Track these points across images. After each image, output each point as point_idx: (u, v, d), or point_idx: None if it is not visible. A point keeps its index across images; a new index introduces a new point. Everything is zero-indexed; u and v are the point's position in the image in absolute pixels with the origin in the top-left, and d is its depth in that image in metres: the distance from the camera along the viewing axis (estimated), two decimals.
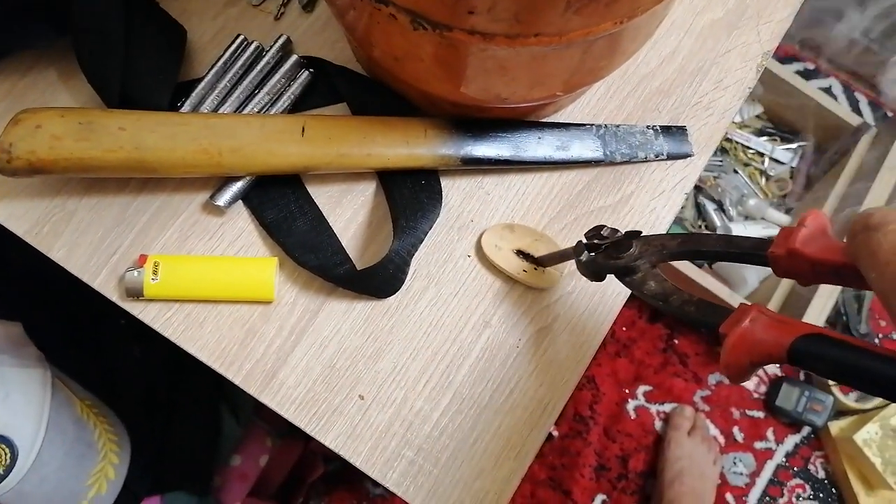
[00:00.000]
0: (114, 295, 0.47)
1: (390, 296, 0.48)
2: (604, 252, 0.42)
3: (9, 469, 0.63)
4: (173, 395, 0.82)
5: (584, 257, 0.43)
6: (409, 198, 0.48)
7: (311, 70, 0.51)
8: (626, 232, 0.41)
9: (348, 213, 0.50)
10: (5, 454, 0.63)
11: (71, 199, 0.48)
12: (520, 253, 0.49)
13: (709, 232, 0.38)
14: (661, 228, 0.52)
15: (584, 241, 0.43)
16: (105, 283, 0.47)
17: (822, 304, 1.07)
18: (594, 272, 0.43)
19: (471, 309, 0.49)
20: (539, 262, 0.49)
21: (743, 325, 0.31)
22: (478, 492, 0.46)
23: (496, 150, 0.50)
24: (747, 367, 0.32)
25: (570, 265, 0.50)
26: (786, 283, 1.14)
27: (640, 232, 0.42)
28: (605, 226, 0.43)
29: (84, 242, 0.48)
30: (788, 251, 0.34)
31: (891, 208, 0.29)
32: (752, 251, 0.37)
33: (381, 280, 0.47)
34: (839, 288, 1.08)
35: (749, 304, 0.33)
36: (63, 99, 0.50)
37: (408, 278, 0.49)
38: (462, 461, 0.46)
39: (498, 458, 0.47)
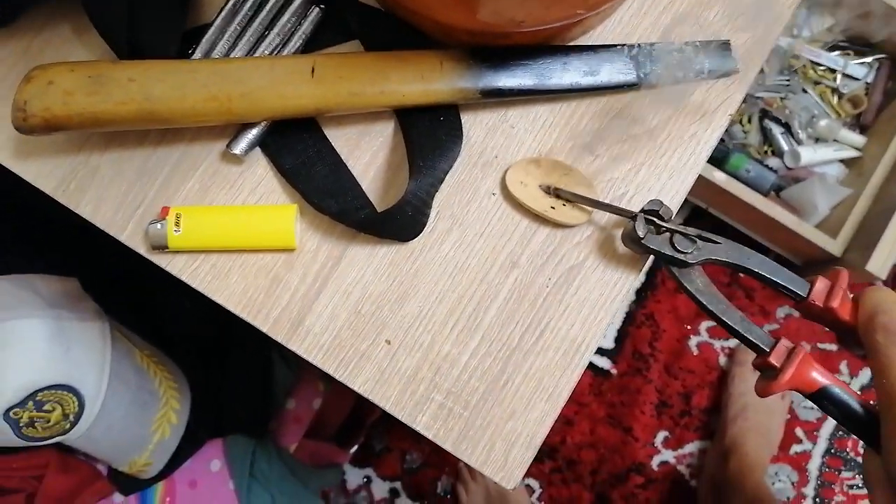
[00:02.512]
0: (141, 248, 0.48)
1: (412, 239, 0.47)
2: (660, 235, 0.43)
3: (78, 416, 0.66)
4: (225, 343, 0.85)
5: (640, 232, 0.42)
6: (426, 135, 0.46)
7: (322, 6, 0.49)
8: (695, 232, 0.43)
9: (367, 155, 0.48)
10: (73, 403, 0.66)
11: (94, 155, 0.49)
12: (547, 189, 0.47)
13: (753, 252, 0.39)
14: (705, 154, 0.48)
15: (644, 214, 0.43)
16: (132, 237, 0.48)
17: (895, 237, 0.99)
18: (642, 248, 0.43)
19: (497, 249, 0.47)
20: (568, 199, 0.46)
21: (793, 369, 0.39)
22: (509, 433, 0.45)
23: (518, 80, 0.47)
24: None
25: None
26: (858, 212, 1.07)
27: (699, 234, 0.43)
28: (662, 203, 0.43)
29: (109, 197, 0.48)
30: (826, 308, 0.40)
31: None
32: (790, 289, 0.42)
33: (401, 222, 0.45)
34: None
35: (792, 344, 0.40)
36: (79, 54, 0.50)
37: (430, 220, 0.47)
38: (493, 404, 0.45)
39: (529, 399, 0.45)
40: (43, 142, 0.48)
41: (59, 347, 0.64)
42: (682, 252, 0.42)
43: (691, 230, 0.42)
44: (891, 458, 0.35)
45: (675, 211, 0.46)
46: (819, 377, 0.39)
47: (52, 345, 0.63)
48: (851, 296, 0.40)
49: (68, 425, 0.66)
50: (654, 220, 0.43)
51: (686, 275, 0.43)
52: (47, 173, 0.48)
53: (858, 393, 0.38)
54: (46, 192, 0.48)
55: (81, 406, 0.67)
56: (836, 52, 1.17)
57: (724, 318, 0.42)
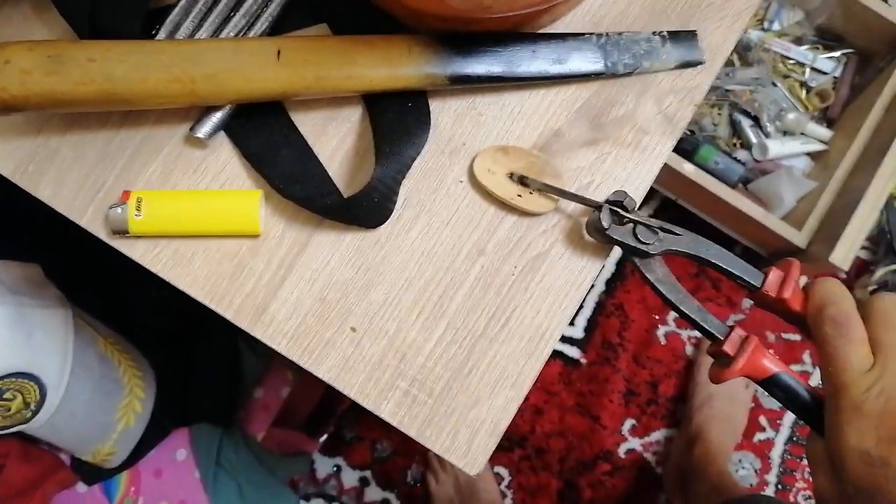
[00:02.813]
0: (101, 233, 0.47)
1: (379, 225, 0.46)
2: (624, 226, 0.43)
3: (39, 405, 0.65)
4: (192, 332, 0.84)
5: (605, 223, 0.43)
6: (394, 121, 0.46)
7: None
8: (657, 223, 0.43)
9: (334, 141, 0.48)
10: (34, 391, 0.65)
11: (53, 137, 0.47)
12: (514, 177, 0.47)
13: (712, 244, 0.41)
14: (670, 144, 0.48)
15: (609, 205, 0.43)
16: (92, 221, 0.47)
17: (860, 225, 1.01)
18: (606, 238, 0.44)
19: (464, 237, 0.47)
20: (535, 187, 0.46)
21: (746, 357, 0.40)
22: (473, 420, 0.45)
23: (486, 67, 0.46)
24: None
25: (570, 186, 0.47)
26: (823, 205, 1.09)
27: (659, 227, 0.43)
28: (626, 194, 0.43)
29: (69, 180, 0.47)
30: (778, 299, 0.41)
31: (853, 307, 0.38)
32: (744, 280, 0.43)
33: (367, 209, 0.45)
34: (878, 209, 1.02)
35: (745, 333, 0.41)
36: (39, 33, 0.49)
37: (397, 207, 0.47)
38: (457, 391, 0.45)
39: (494, 387, 0.45)
40: (1, 123, 0.47)
41: (19, 334, 0.63)
42: (644, 243, 0.43)
43: (654, 221, 0.43)
44: (833, 444, 0.36)
45: (639, 201, 0.46)
46: (770, 365, 0.40)
47: (12, 332, 0.62)
48: (803, 286, 0.41)
49: (29, 414, 0.64)
50: (619, 210, 0.43)
51: (647, 265, 0.44)
52: (5, 155, 0.47)
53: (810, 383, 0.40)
54: (4, 174, 0.47)
55: (43, 394, 0.65)
56: (806, 46, 1.19)
57: (681, 307, 0.43)
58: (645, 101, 0.48)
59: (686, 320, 0.43)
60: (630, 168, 0.48)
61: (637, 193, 0.47)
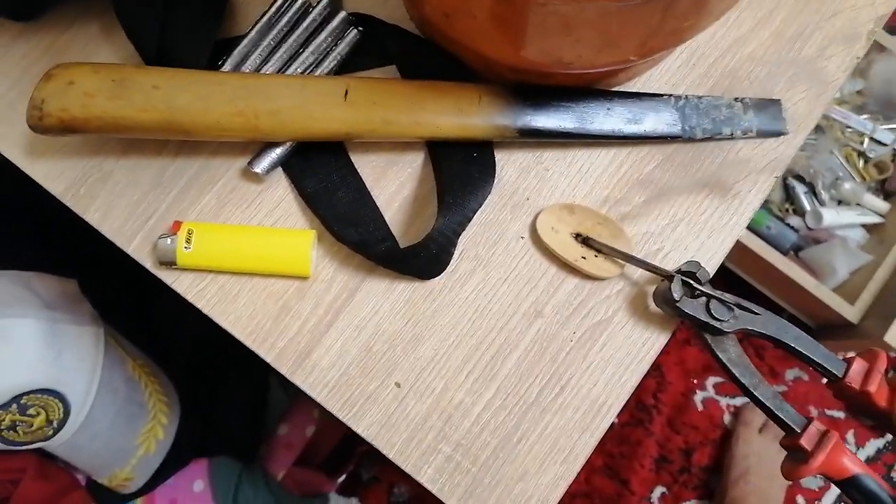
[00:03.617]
0: (147, 261, 0.45)
1: (434, 277, 0.44)
2: (695, 299, 0.41)
3: (62, 424, 0.64)
4: (222, 361, 0.82)
5: (676, 294, 0.40)
6: (458, 171, 0.44)
7: (360, 28, 0.47)
8: (733, 300, 0.41)
9: (393, 185, 0.46)
10: (58, 409, 0.63)
11: (108, 160, 0.46)
12: (579, 237, 0.44)
13: (791, 326, 0.38)
14: (747, 215, 0.46)
15: (681, 276, 0.41)
16: (139, 249, 0.45)
17: None
18: (675, 311, 0.41)
19: (521, 296, 0.45)
20: (600, 250, 0.44)
21: (825, 455, 0.37)
22: (518, 495, 0.42)
23: (558, 122, 0.45)
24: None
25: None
26: (878, 280, 1.04)
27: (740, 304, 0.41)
28: (700, 265, 0.41)
29: (120, 205, 0.46)
30: (862, 392, 0.39)
31: None
32: (825, 368, 0.40)
33: (423, 260, 0.43)
34: None
35: (825, 428, 0.39)
36: (104, 54, 0.48)
37: (454, 259, 0.45)
38: (503, 461, 0.43)
39: (543, 461, 0.43)
40: (57, 142, 0.46)
41: (50, 351, 0.62)
42: (719, 320, 0.40)
43: (729, 297, 0.40)
44: None
45: (711, 273, 0.43)
46: (850, 465, 0.37)
47: (43, 347, 0.61)
48: (890, 378, 0.39)
49: (51, 432, 0.63)
50: (691, 282, 0.40)
51: (719, 343, 0.41)
52: (57, 175, 0.46)
53: (887, 483, 0.37)
54: (55, 194, 0.46)
55: (67, 413, 0.64)
56: (865, 116, 1.16)
57: (755, 393, 0.40)
58: (723, 169, 0.46)
59: (759, 407, 0.40)
60: (703, 238, 0.45)
61: (709, 265, 0.44)
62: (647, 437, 1.14)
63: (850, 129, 1.16)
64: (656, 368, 1.17)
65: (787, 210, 1.14)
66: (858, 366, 0.39)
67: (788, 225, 1.10)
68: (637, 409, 1.15)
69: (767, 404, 0.39)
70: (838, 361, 0.40)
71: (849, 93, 1.17)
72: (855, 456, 0.37)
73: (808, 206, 1.12)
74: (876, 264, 1.06)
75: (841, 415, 1.17)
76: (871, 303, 1.04)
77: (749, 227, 1.05)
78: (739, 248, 1.04)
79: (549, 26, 0.34)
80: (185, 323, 0.81)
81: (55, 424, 0.63)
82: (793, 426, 0.39)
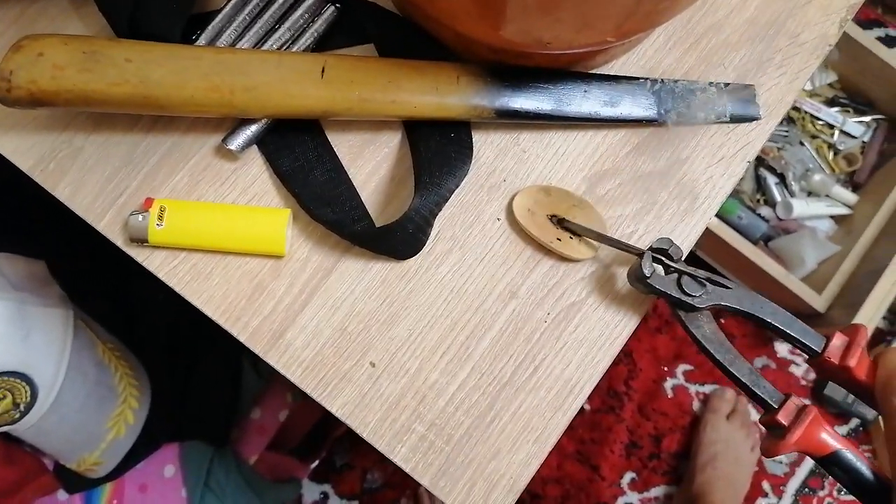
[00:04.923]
0: (118, 239, 0.44)
1: (409, 258, 0.44)
2: (668, 276, 0.41)
3: (29, 407, 0.63)
4: (195, 344, 0.81)
5: (647, 270, 0.40)
6: (436, 151, 0.44)
7: (338, 5, 0.46)
8: (704, 274, 0.41)
9: (370, 165, 0.46)
10: (25, 392, 0.62)
11: (78, 135, 0.46)
12: (554, 218, 0.45)
13: (767, 301, 0.38)
14: (719, 199, 0.46)
15: (651, 252, 0.40)
16: (110, 226, 0.45)
17: (883, 294, 0.99)
18: (648, 288, 0.41)
19: (497, 277, 0.45)
20: (575, 232, 0.44)
21: (802, 430, 0.37)
22: (491, 474, 0.42)
23: (536, 103, 0.45)
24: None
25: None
26: (845, 270, 1.06)
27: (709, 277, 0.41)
28: (672, 242, 0.41)
29: (90, 181, 0.45)
30: (842, 366, 0.38)
31: None
32: (804, 343, 0.39)
33: (399, 240, 0.43)
34: None
35: (803, 402, 0.38)
36: (74, 27, 0.47)
37: (430, 240, 0.45)
38: (477, 440, 0.43)
39: (516, 440, 0.43)
40: (26, 115, 0.45)
41: (17, 332, 0.61)
42: (691, 295, 0.40)
43: (701, 272, 0.40)
44: None
45: (685, 253, 0.44)
46: (830, 440, 0.36)
47: (10, 329, 0.60)
48: (870, 355, 0.38)
49: (17, 415, 0.62)
50: (663, 259, 0.41)
51: (693, 319, 0.41)
52: (26, 149, 0.45)
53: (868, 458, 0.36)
54: (23, 169, 0.45)
55: (34, 396, 0.63)
56: (836, 108, 1.18)
57: (731, 369, 0.39)
58: (696, 153, 0.46)
59: (736, 384, 0.39)
60: (676, 221, 0.46)
61: (682, 247, 0.45)
62: (618, 424, 1.15)
63: (820, 122, 1.19)
64: (628, 356, 1.19)
65: (758, 200, 1.16)
66: (838, 340, 0.39)
67: (759, 215, 1.12)
68: (608, 395, 1.17)
69: (744, 380, 0.39)
70: (817, 336, 0.39)
71: (820, 86, 1.19)
72: (834, 431, 0.37)
73: (778, 197, 1.14)
74: (843, 255, 1.08)
75: (807, 402, 1.19)
76: (838, 293, 1.06)
77: (721, 217, 1.07)
78: (711, 238, 1.05)
79: (528, 5, 0.34)
80: (158, 307, 0.80)
81: (22, 408, 0.62)
82: (770, 401, 0.38)
